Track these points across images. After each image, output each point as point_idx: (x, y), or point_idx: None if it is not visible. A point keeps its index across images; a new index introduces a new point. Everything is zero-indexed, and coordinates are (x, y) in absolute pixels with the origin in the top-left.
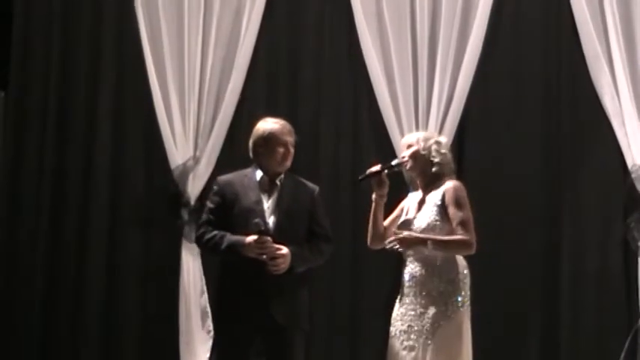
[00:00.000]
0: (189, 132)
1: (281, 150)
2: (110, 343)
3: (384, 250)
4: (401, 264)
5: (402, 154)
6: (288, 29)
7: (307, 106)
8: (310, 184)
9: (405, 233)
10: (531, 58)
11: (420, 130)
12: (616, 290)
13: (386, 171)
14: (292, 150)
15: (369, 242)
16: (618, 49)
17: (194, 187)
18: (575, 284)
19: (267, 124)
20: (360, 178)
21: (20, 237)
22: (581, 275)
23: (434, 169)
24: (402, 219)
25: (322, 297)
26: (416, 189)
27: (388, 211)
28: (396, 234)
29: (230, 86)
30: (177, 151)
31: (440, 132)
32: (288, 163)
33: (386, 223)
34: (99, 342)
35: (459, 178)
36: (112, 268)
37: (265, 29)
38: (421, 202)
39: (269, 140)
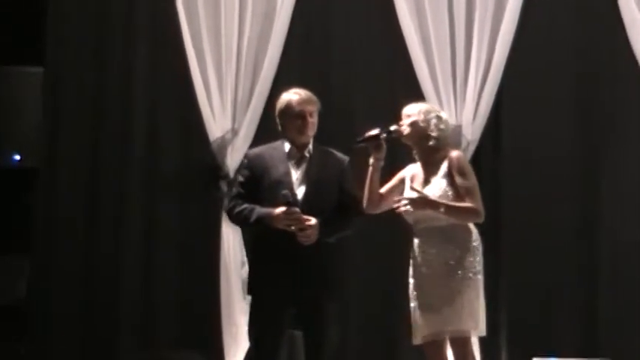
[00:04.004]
0: (227, 105)
1: (298, 121)
2: (151, 317)
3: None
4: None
5: (401, 122)
6: (324, 2)
7: (343, 79)
8: (340, 155)
9: (420, 195)
10: (568, 25)
11: (458, 101)
12: None
13: (384, 135)
14: (312, 119)
15: (364, 206)
16: None
17: (233, 160)
18: (614, 254)
19: (287, 95)
20: (358, 140)
21: (58, 213)
22: (620, 246)
23: (430, 143)
24: (407, 192)
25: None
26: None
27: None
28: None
29: (267, 58)
30: (216, 124)
31: (477, 103)
32: (310, 133)
33: (383, 190)
34: (140, 317)
35: (495, 149)
36: (151, 242)
37: (301, 1)
38: (426, 176)
39: (287, 111)
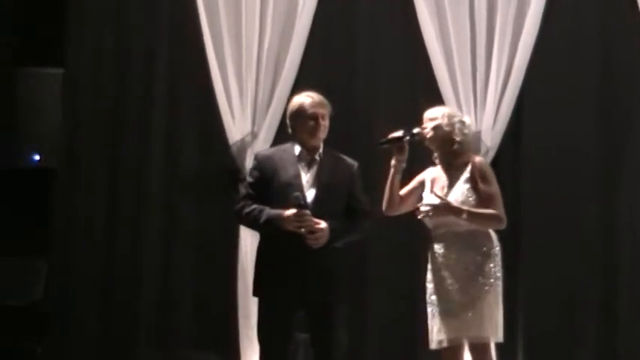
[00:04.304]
0: (246, 108)
1: (310, 123)
2: (168, 318)
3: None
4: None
5: (424, 125)
6: (345, 4)
7: (364, 82)
8: (349, 160)
9: (442, 201)
10: (589, 29)
11: (478, 107)
12: None
13: (407, 138)
14: (324, 122)
15: (384, 208)
16: None
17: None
18: (635, 257)
19: (299, 98)
20: (381, 141)
21: (77, 213)
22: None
23: (455, 147)
24: (426, 196)
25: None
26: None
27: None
28: (427, 205)
29: (287, 62)
30: (235, 127)
31: (498, 108)
32: (322, 136)
33: (402, 192)
34: (158, 317)
35: (516, 153)
36: (170, 243)
37: (323, 4)
38: (448, 181)
39: (299, 114)
